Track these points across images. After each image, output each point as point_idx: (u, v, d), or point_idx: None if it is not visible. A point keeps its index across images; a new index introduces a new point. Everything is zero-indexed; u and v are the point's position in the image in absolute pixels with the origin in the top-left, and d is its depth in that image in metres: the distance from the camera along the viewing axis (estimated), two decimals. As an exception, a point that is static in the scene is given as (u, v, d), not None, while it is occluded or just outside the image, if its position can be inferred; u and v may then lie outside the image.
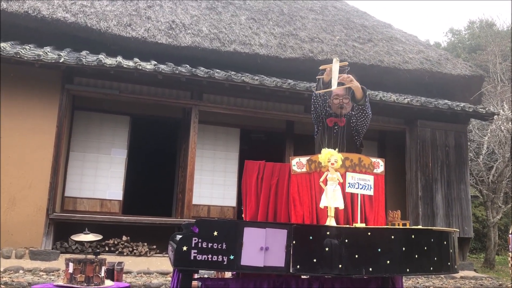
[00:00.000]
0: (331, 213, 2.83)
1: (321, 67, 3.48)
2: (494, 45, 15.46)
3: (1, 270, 6.32)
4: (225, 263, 2.49)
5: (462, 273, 8.48)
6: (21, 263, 6.68)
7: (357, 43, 10.75)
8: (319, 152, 3.44)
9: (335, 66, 3.27)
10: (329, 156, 2.89)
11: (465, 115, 9.56)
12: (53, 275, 6.34)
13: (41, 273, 6.39)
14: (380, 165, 3.20)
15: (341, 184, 2.93)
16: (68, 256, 6.13)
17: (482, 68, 13.91)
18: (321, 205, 2.87)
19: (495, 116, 10.09)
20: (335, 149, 3.16)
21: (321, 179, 2.93)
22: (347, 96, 3.69)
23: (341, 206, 2.87)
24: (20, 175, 7.18)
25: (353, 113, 3.74)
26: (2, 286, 5.64)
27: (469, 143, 10.71)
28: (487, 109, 9.77)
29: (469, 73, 10.83)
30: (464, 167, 9.53)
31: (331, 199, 2.83)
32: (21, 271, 6.37)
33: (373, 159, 3.18)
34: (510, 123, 10.70)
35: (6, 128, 7.25)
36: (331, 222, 2.80)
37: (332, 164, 2.87)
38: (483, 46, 18.25)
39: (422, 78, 10.50)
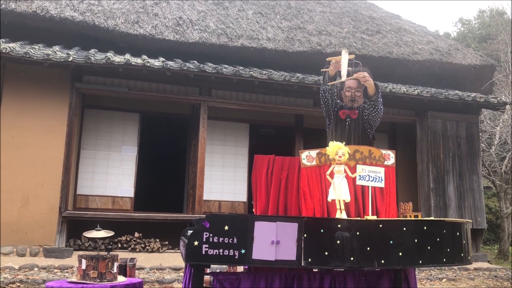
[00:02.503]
0: (341, 206, 2.82)
1: (328, 59, 3.46)
2: (505, 34, 15.23)
3: (16, 268, 6.41)
4: (236, 257, 2.49)
5: (475, 265, 8.42)
6: (35, 260, 6.77)
7: (365, 35, 10.66)
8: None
9: (344, 57, 3.24)
10: (336, 149, 2.88)
11: (476, 105, 9.45)
12: (67, 272, 6.41)
13: (56, 270, 6.47)
14: (390, 157, 3.18)
15: (348, 176, 2.91)
16: (81, 253, 6.20)
17: (493, 57, 13.73)
18: (329, 198, 2.86)
19: (507, 106, 9.96)
20: (348, 142, 3.15)
21: (328, 172, 2.92)
22: (360, 89, 3.66)
23: (347, 198, 2.86)
24: (32, 173, 7.25)
25: (366, 106, 3.71)
26: (17, 283, 5.72)
27: (480, 133, 10.60)
28: (498, 98, 9.64)
29: (480, 62, 10.70)
30: (476, 158, 9.43)
31: (339, 192, 2.82)
32: (36, 269, 6.45)
33: (384, 151, 3.16)
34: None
35: (17, 127, 7.32)
36: (341, 215, 2.79)
37: (340, 157, 2.86)
38: (493, 35, 18.00)
39: (432, 69, 10.40)
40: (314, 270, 2.91)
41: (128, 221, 7.78)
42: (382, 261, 2.55)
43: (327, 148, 2.96)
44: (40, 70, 7.46)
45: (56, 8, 8.43)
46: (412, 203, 3.39)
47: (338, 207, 2.83)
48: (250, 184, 3.29)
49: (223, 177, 9.05)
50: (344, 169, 2.88)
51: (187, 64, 7.96)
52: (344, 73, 3.23)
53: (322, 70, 3.62)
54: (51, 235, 7.19)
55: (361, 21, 11.35)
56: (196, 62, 8.30)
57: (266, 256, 2.50)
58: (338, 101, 3.74)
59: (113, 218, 7.59)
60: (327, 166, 3.12)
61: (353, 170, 3.09)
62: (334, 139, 3.60)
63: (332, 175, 2.89)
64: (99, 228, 3.96)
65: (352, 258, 2.51)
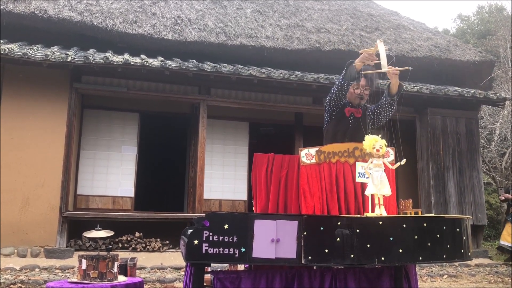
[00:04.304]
0: (381, 201, 2.79)
1: (361, 52, 3.39)
2: (504, 30, 15.23)
3: (17, 268, 6.41)
4: (236, 256, 2.49)
5: (476, 261, 8.42)
6: (36, 261, 6.77)
7: (364, 32, 10.65)
8: (330, 142, 3.42)
9: (381, 47, 3.18)
10: (373, 142, 2.85)
11: (475, 101, 9.45)
12: (68, 272, 6.41)
13: (57, 270, 6.47)
14: (390, 154, 3.18)
15: (388, 169, 2.89)
16: (81, 253, 6.21)
17: (492, 53, 13.73)
18: (368, 192, 2.81)
19: (507, 102, 9.96)
20: (351, 140, 3.13)
21: (366, 166, 2.88)
22: (368, 87, 3.66)
23: (388, 193, 2.83)
24: (32, 174, 7.25)
25: (372, 106, 3.70)
26: (19, 284, 5.72)
27: (480, 129, 10.60)
28: (498, 94, 9.64)
29: (479, 58, 10.69)
30: (476, 154, 9.43)
31: (379, 186, 2.79)
32: (37, 269, 6.46)
33: (383, 148, 3.15)
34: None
35: (17, 128, 7.32)
36: (381, 210, 2.76)
37: (378, 150, 2.83)
38: (492, 31, 17.99)
39: (431, 66, 10.39)
40: (314, 268, 2.91)
41: (128, 221, 7.78)
42: (382, 258, 2.55)
43: (363, 142, 2.91)
44: (39, 70, 7.45)
45: (54, 9, 8.42)
46: (412, 199, 3.39)
47: (376, 202, 2.78)
48: (251, 182, 3.28)
49: (223, 176, 9.05)
50: (383, 163, 2.85)
51: (186, 63, 7.95)
52: (384, 63, 3.14)
53: (349, 62, 3.46)
54: (51, 236, 7.19)
55: (360, 18, 11.34)
56: (195, 61, 8.29)
57: (266, 254, 2.51)
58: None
59: (113, 218, 7.59)
60: (326, 164, 3.12)
61: (353, 167, 3.09)
62: (335, 137, 3.59)
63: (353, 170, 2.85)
64: (99, 228, 3.96)
65: (352, 255, 2.51)
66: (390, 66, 3.33)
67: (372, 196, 2.80)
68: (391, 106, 3.60)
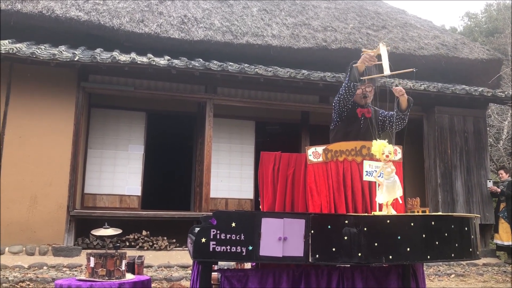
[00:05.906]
0: (389, 202, 2.79)
1: (363, 51, 3.37)
2: (512, 27, 15.11)
3: (26, 266, 6.46)
4: (244, 254, 2.49)
5: (484, 260, 8.37)
6: (44, 259, 6.81)
7: (371, 31, 10.61)
8: (337, 141, 3.41)
9: (383, 50, 3.12)
10: (382, 148, 2.82)
11: (483, 100, 9.38)
12: (76, 270, 6.45)
13: (64, 268, 6.51)
14: (397, 153, 3.17)
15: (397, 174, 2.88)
16: (89, 251, 6.23)
17: (500, 51, 13.64)
18: (380, 201, 2.81)
19: (515, 100, 9.88)
20: (362, 140, 3.12)
21: (376, 174, 2.85)
22: (370, 85, 3.66)
23: (400, 194, 2.83)
24: (40, 173, 7.29)
25: (383, 111, 3.72)
26: (27, 282, 5.76)
27: (488, 128, 10.52)
28: (506, 93, 9.57)
29: (487, 56, 10.62)
30: (484, 153, 9.37)
31: (388, 194, 2.76)
32: (45, 267, 6.50)
33: (390, 147, 3.14)
34: (530, 106, 10.48)
35: (25, 127, 7.37)
36: (388, 210, 2.76)
37: (387, 156, 2.80)
38: (501, 29, 17.86)
39: (438, 64, 10.33)
40: (321, 266, 2.91)
41: (135, 219, 7.81)
42: (390, 257, 2.54)
43: (372, 148, 2.89)
44: (46, 70, 7.49)
45: (61, 8, 8.47)
46: (419, 198, 3.37)
47: (384, 203, 2.80)
48: (257, 181, 3.29)
49: (229, 175, 9.06)
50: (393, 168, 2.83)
51: (192, 62, 7.96)
52: (386, 66, 3.08)
53: (352, 64, 3.42)
54: (59, 234, 7.24)
55: (367, 17, 11.30)
56: (201, 60, 8.30)
57: (274, 253, 2.51)
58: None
59: (120, 217, 7.61)
60: (333, 162, 3.11)
61: (360, 165, 3.08)
62: (347, 137, 3.58)
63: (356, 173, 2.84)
64: (107, 226, 3.98)
65: (359, 254, 2.51)
66: (396, 88, 3.34)
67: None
68: (403, 121, 3.67)
